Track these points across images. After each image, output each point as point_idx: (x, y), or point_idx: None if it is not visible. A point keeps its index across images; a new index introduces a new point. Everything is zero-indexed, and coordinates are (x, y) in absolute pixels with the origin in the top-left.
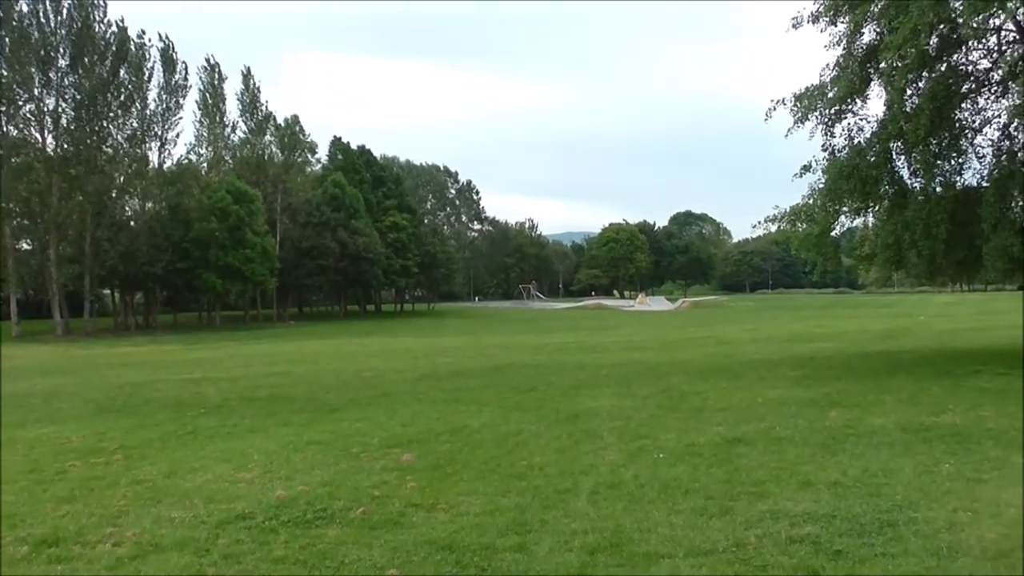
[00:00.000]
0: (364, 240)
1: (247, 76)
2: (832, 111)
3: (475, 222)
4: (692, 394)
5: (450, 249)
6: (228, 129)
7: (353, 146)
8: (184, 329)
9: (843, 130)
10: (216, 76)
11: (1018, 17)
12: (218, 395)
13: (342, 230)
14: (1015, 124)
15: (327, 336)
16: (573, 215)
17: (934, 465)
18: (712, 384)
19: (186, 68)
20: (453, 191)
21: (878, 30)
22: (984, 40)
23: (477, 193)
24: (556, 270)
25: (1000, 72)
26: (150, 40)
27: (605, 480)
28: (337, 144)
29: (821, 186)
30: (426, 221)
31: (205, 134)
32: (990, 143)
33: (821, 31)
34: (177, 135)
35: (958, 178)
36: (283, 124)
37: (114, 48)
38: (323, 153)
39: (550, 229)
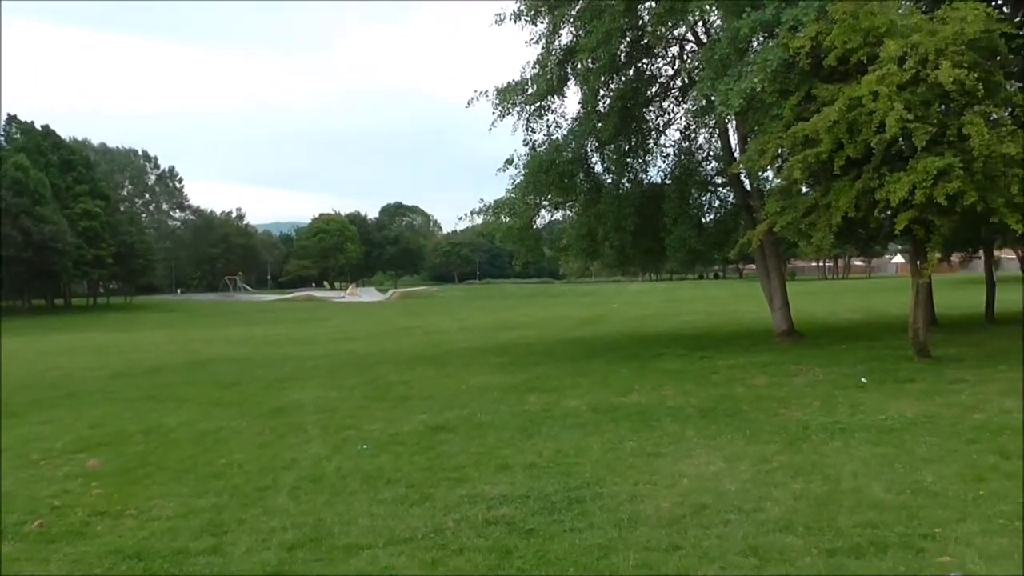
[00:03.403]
0: (51, 228)
1: None
2: (532, 107)
3: (177, 210)
4: (399, 383)
5: (149, 239)
6: None
7: (37, 126)
8: None
9: (543, 126)
10: None
11: (697, 30)
12: None
13: (25, 217)
14: (693, 127)
15: (7, 333)
16: (283, 205)
17: (619, 442)
18: (419, 373)
19: None
20: (153, 177)
21: (575, 32)
22: (669, 48)
23: (180, 180)
24: (265, 261)
25: (682, 79)
26: None
27: (307, 474)
28: (16, 123)
29: (522, 180)
30: (122, 209)
31: None
32: (672, 144)
33: (522, 29)
34: None
35: (645, 175)
36: None
37: None
38: None
39: (259, 219)
